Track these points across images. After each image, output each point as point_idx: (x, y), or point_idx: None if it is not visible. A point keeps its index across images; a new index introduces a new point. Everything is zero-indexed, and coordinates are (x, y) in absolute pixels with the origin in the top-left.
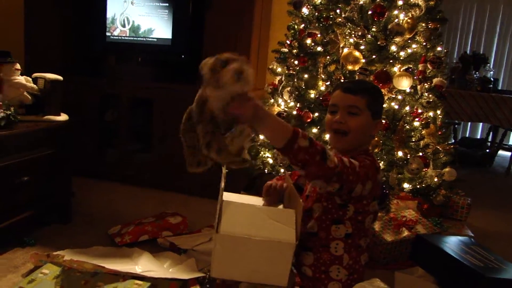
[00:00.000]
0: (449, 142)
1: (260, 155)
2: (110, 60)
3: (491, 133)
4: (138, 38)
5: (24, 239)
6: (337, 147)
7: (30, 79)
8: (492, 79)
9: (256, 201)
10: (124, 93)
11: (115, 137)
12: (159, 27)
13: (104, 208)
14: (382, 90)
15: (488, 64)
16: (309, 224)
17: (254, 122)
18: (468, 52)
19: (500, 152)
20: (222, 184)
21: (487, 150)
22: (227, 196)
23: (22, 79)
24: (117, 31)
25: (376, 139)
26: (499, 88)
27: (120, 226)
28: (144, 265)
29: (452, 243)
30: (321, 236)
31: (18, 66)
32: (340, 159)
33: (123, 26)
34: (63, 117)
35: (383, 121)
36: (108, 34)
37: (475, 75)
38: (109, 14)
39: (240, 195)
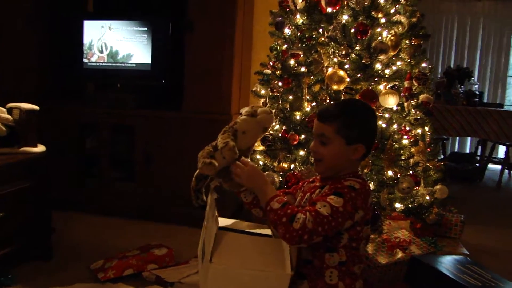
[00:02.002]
0: (439, 158)
1: None
2: (88, 87)
3: (479, 147)
4: (117, 64)
5: (1, 279)
6: (317, 172)
7: (5, 110)
8: (477, 93)
9: (248, 226)
10: (104, 121)
11: (96, 167)
12: (138, 52)
13: (85, 242)
14: None
15: (473, 78)
16: (303, 251)
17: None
18: (452, 66)
19: (490, 165)
20: (215, 212)
21: (477, 165)
22: (222, 222)
23: None
24: (95, 57)
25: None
26: (485, 101)
27: (103, 260)
28: None
29: (448, 263)
30: (316, 264)
31: None
32: (313, 216)
33: (101, 52)
34: (40, 148)
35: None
36: (85, 60)
37: (460, 89)
38: (86, 40)
39: (234, 220)
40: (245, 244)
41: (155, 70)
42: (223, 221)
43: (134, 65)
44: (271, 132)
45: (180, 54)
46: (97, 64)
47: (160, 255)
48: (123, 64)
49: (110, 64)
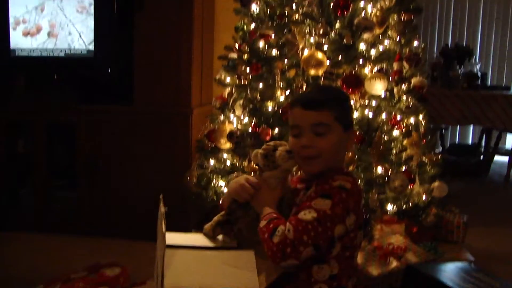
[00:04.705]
0: (436, 151)
1: (212, 184)
2: (17, 79)
3: (483, 136)
4: (52, 49)
5: None
6: (309, 171)
7: None
8: (479, 74)
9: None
10: (38, 119)
11: (30, 174)
12: (77, 34)
13: (22, 265)
14: (353, 96)
15: (474, 57)
16: None
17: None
18: (449, 44)
19: (496, 158)
20: (163, 227)
21: (481, 157)
22: (172, 238)
23: None
24: (22, 41)
25: (349, 155)
26: (488, 84)
27: (42, 285)
28: None
29: (450, 272)
30: (301, 278)
31: None
32: (293, 224)
33: (31, 34)
34: None
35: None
36: (12, 46)
37: (459, 71)
38: (11, 19)
39: (189, 234)
40: (202, 261)
41: (99, 57)
42: (181, 237)
43: (74, 51)
44: (238, 127)
45: (129, 37)
46: (28, 49)
47: (112, 275)
48: (59, 50)
49: (43, 49)
